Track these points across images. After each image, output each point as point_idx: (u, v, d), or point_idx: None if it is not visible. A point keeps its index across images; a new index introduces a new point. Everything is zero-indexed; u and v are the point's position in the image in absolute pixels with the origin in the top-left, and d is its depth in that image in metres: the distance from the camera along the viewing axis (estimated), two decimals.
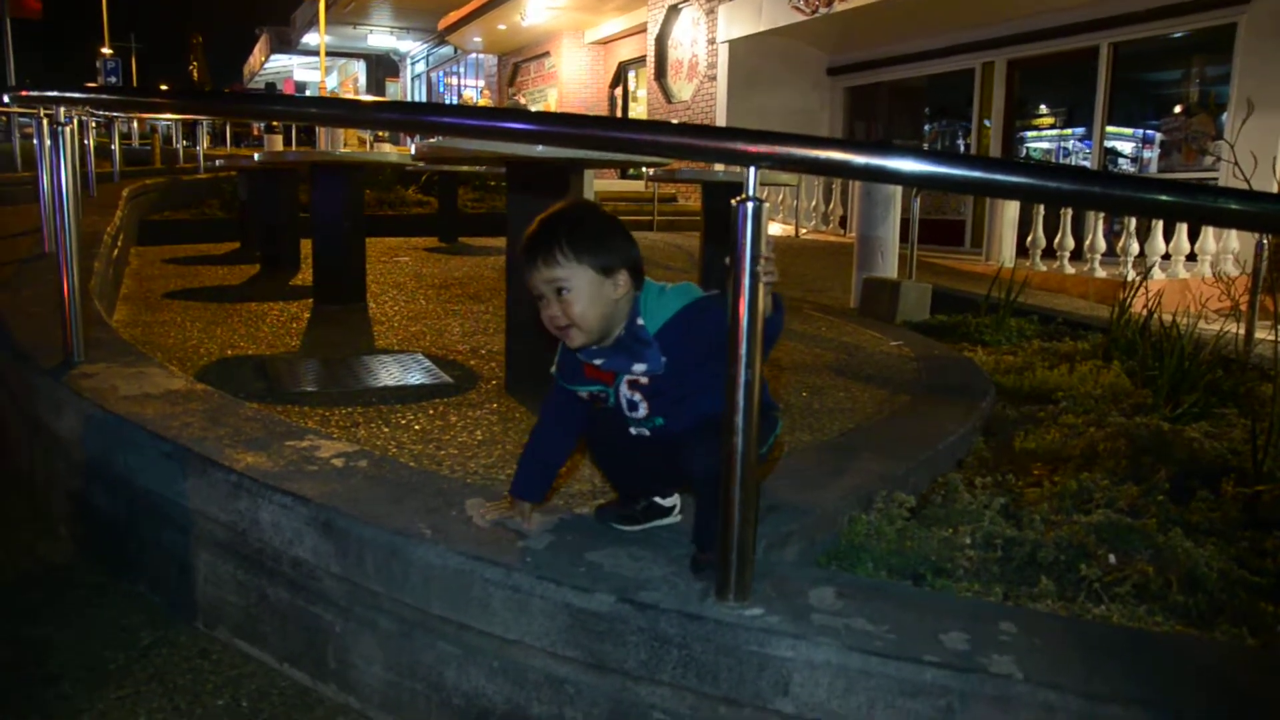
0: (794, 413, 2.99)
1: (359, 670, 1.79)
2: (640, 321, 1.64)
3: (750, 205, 1.41)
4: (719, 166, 4.79)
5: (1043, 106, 12.55)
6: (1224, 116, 9.78)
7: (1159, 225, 8.37)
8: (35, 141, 5.17)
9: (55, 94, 2.74)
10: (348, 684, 1.81)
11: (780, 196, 12.90)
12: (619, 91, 20.10)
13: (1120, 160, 11.52)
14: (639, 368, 1.66)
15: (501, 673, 1.61)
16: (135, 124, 17.51)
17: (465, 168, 9.14)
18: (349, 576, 1.77)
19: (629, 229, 1.68)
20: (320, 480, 1.93)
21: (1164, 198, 1.46)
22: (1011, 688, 1.32)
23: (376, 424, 2.67)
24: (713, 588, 1.52)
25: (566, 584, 1.54)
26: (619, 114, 19.82)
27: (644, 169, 8.07)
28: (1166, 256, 8.56)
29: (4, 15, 13.25)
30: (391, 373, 3.34)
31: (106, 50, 34.18)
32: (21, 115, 10.65)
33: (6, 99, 3.00)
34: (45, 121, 2.90)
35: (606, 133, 1.80)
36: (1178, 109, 10.77)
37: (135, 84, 42.64)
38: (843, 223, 12.03)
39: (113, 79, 30.96)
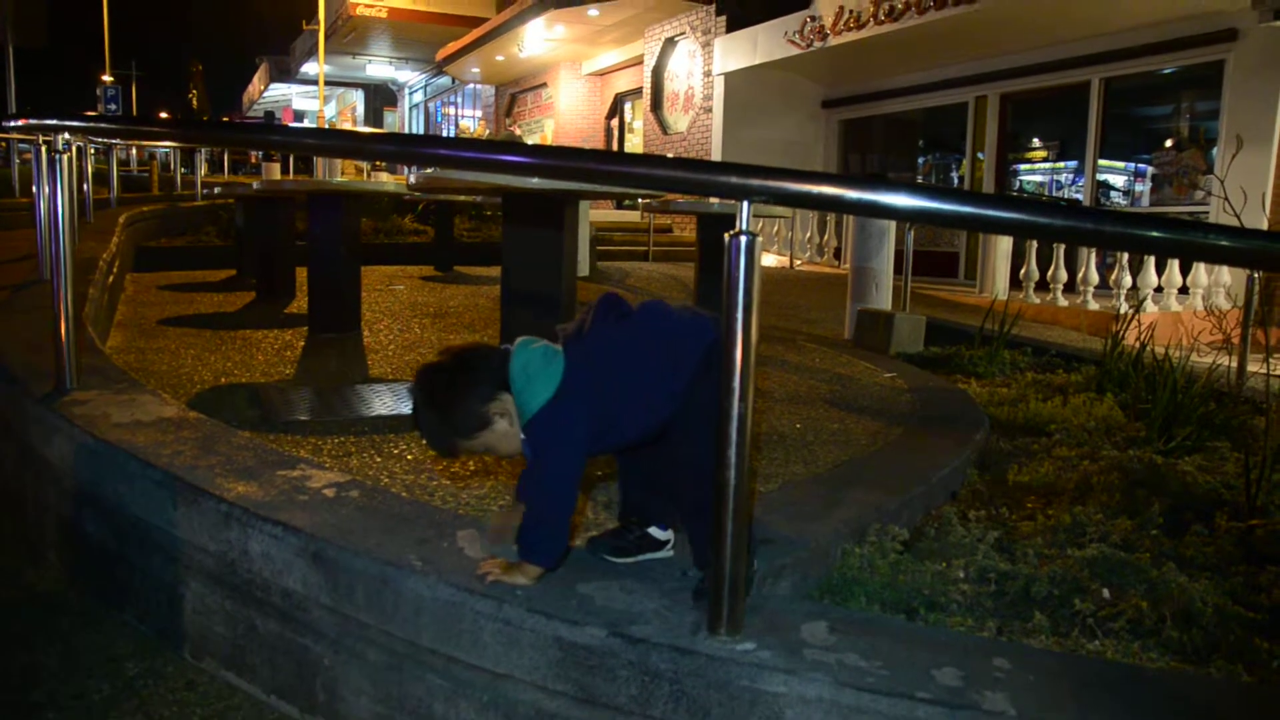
0: (788, 444, 2.99)
1: (347, 703, 1.77)
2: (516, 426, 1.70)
3: (744, 239, 1.42)
4: (714, 199, 4.82)
5: (1035, 140, 12.66)
6: (1214, 151, 9.88)
7: (1151, 259, 8.41)
8: (34, 168, 5.20)
9: (54, 122, 2.75)
10: (336, 717, 1.79)
11: (775, 228, 12.97)
12: (615, 123, 20.23)
13: (1112, 193, 11.61)
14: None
15: (491, 707, 1.59)
16: (134, 151, 17.58)
17: (462, 198, 9.17)
18: (339, 608, 1.75)
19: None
20: (311, 510, 1.93)
21: (1155, 234, 1.48)
22: None
23: (369, 453, 2.66)
24: (705, 621, 1.51)
25: (557, 617, 1.53)
26: (615, 145, 19.93)
27: (639, 200, 8.11)
28: (1159, 289, 8.61)
29: (6, 43, 13.34)
30: (385, 402, 3.34)
31: (108, 78, 34.34)
32: (21, 141, 10.69)
33: (8, 125, 2.99)
34: (44, 149, 2.90)
35: (601, 166, 1.81)
36: (1168, 143, 10.87)
37: (135, 111, 42.89)
38: (837, 254, 12.08)
39: (113, 106, 31.07)
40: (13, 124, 3.24)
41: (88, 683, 1.93)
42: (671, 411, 1.69)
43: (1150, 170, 11.13)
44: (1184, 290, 8.70)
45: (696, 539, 1.71)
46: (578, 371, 1.66)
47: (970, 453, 3.04)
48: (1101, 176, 11.44)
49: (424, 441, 1.75)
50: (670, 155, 11.89)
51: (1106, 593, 2.03)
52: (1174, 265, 8.60)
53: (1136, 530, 2.37)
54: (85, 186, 8.25)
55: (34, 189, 5.01)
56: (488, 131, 23.48)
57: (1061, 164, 12.15)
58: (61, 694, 1.88)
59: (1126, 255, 8.50)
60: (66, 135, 2.77)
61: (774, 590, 1.88)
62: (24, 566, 2.50)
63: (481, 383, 1.67)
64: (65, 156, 2.76)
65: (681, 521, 1.79)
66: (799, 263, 12.51)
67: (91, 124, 2.93)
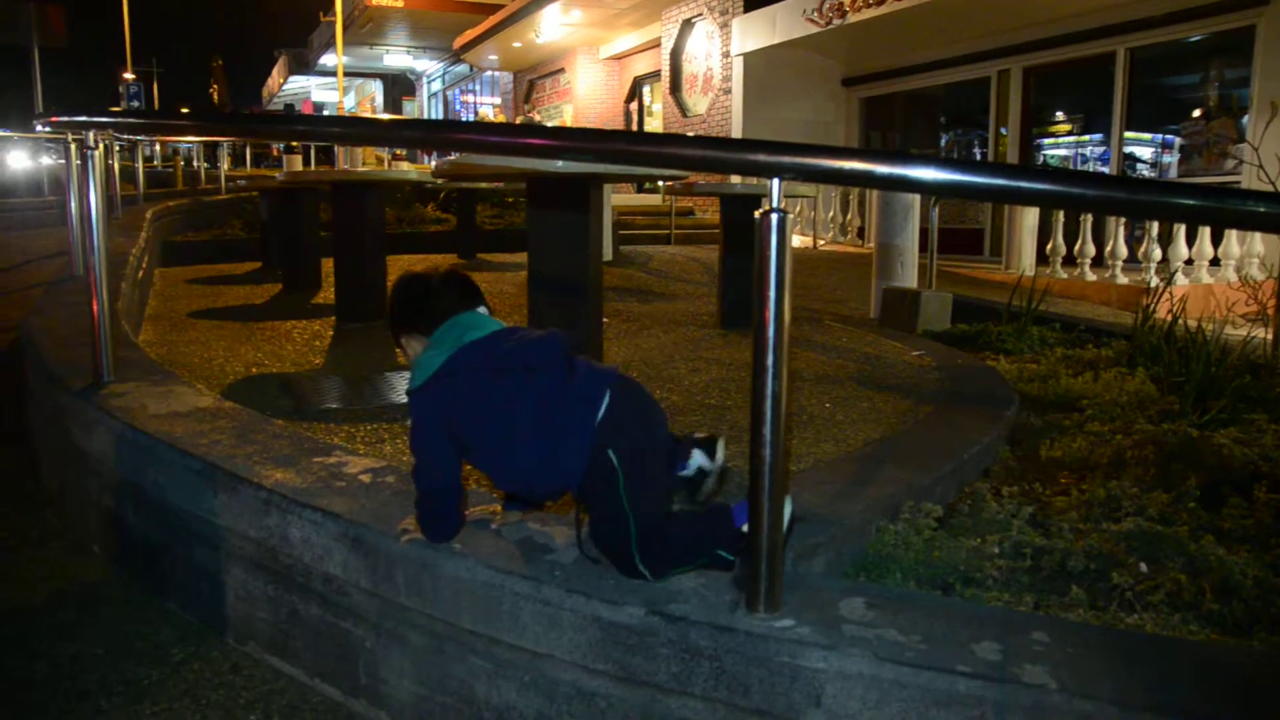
0: (818, 424, 2.99)
1: (390, 685, 1.80)
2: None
3: (775, 217, 1.42)
4: (737, 179, 4.79)
5: (1059, 113, 12.48)
6: (1245, 119, 9.71)
7: (1181, 230, 8.29)
8: (63, 164, 5.26)
9: (84, 118, 2.78)
10: (379, 699, 1.82)
11: (798, 208, 12.89)
12: (634, 106, 20.17)
13: (1139, 165, 11.44)
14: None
15: (532, 686, 1.61)
16: (158, 147, 17.74)
17: (484, 184, 9.19)
18: (379, 592, 1.78)
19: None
20: (349, 496, 1.95)
21: (1190, 202, 1.46)
22: (1046, 697, 1.31)
23: (402, 439, 2.68)
24: (743, 599, 1.52)
25: (596, 597, 1.55)
26: (635, 128, 19.87)
27: (659, 183, 8.09)
28: (1190, 262, 8.48)
29: (32, 44, 13.52)
30: None
31: (129, 75, 34.60)
32: (48, 141, 10.81)
33: (38, 126, 3.03)
34: (74, 145, 2.94)
35: (630, 146, 1.81)
36: (1197, 113, 10.68)
37: (157, 108, 43.19)
38: (860, 233, 12.00)
39: (135, 103, 31.30)
40: (43, 121, 3.28)
41: (136, 669, 1.97)
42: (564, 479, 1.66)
43: (1178, 141, 10.96)
44: (1215, 262, 8.57)
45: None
46: (443, 381, 1.65)
47: (1001, 429, 3.02)
48: (1128, 149, 11.28)
49: None
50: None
51: (1144, 566, 2.02)
52: (1205, 236, 8.47)
53: (1173, 504, 2.35)
54: (113, 182, 8.35)
55: (65, 187, 5.08)
56: (503, 119, 23.47)
57: (1086, 137, 11.98)
58: (111, 680, 1.93)
59: (1156, 228, 8.38)
60: (96, 131, 2.80)
61: (809, 568, 1.89)
62: (67, 558, 2.55)
63: (410, 315, 1.79)
64: (96, 153, 2.79)
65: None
66: (822, 243, 12.44)
67: (120, 119, 2.96)
